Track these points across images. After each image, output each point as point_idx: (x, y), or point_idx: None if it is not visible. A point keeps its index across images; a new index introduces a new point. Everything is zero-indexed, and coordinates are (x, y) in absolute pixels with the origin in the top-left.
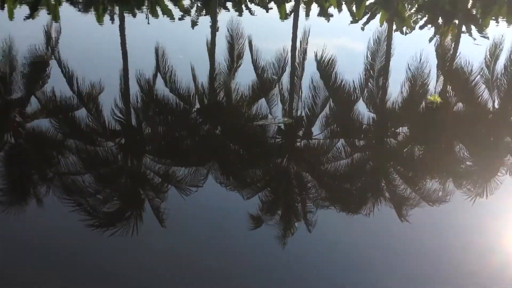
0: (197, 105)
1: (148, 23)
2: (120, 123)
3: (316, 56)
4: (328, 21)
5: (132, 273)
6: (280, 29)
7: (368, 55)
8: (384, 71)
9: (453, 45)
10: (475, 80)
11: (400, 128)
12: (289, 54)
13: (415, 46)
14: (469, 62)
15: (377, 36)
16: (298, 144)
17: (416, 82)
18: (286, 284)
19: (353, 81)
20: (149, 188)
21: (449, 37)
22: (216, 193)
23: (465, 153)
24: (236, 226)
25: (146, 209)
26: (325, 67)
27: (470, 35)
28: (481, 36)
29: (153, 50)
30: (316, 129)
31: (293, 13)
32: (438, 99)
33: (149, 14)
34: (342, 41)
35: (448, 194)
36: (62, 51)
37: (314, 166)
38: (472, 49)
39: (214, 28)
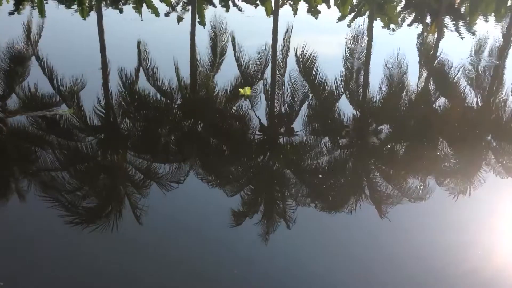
0: (178, 101)
1: (141, 20)
2: (101, 119)
3: (296, 52)
4: (316, 18)
5: (111, 270)
6: (267, 26)
7: (347, 53)
8: (365, 68)
9: (434, 42)
10: (457, 77)
11: (381, 125)
12: (271, 50)
13: (403, 43)
14: (448, 60)
15: (356, 33)
16: (277, 141)
17: (398, 79)
18: (267, 281)
19: (335, 78)
20: (129, 184)
21: (435, 34)
22: (197, 189)
23: (448, 151)
24: (216, 222)
25: (126, 205)
26: (305, 64)
27: (458, 32)
28: (469, 33)
29: (137, 46)
30: (294, 126)
31: (273, 10)
32: (249, 92)
33: (141, 11)
34: (327, 38)
35: (430, 191)
36: (44, 46)
37: (294, 164)
38: (458, 46)
39: (193, 24)
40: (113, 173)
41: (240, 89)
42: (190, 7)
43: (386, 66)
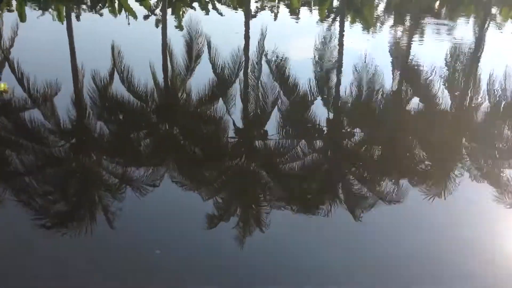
0: (152, 105)
1: (128, 24)
2: (73, 122)
3: (266, 56)
4: (297, 22)
5: (84, 274)
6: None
7: (316, 55)
8: (338, 71)
9: (407, 45)
10: (430, 79)
11: (355, 128)
12: (249, 53)
13: (376, 46)
14: (418, 62)
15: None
16: (251, 144)
17: (367, 82)
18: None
19: (309, 81)
20: (103, 187)
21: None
22: (171, 192)
23: (422, 153)
24: (190, 225)
25: (99, 209)
26: (277, 67)
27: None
28: (448, 35)
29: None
30: (263, 129)
31: (245, 13)
32: (4, 87)
33: (126, 15)
34: (304, 40)
35: (404, 194)
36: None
37: (269, 167)
38: (436, 49)
39: (164, 27)
40: (86, 177)
41: None
42: (168, 10)
43: (355, 69)
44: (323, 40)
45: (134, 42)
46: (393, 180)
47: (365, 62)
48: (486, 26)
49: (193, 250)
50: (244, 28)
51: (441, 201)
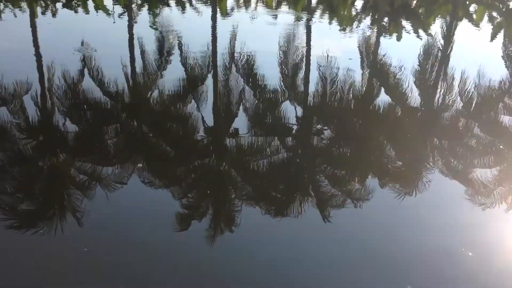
0: (121, 103)
1: (114, 22)
2: (41, 120)
3: (234, 56)
4: (275, 19)
5: (52, 274)
6: (225, 26)
7: (281, 54)
8: (306, 69)
9: (375, 43)
10: (400, 77)
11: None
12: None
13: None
14: (388, 59)
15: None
16: (222, 142)
17: (331, 80)
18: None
19: (280, 80)
20: (71, 185)
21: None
22: (141, 191)
23: (393, 152)
24: (161, 224)
25: (67, 207)
26: (245, 65)
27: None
28: (426, 35)
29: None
30: (237, 127)
31: (212, 12)
32: None
33: (114, 12)
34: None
35: (372, 192)
36: None
37: (237, 165)
38: (410, 48)
39: (131, 25)
40: (52, 175)
41: None
42: (146, 7)
43: (319, 67)
44: (289, 39)
45: (106, 39)
46: (362, 179)
47: (327, 61)
48: (456, 24)
49: (163, 250)
50: (212, 27)
51: (411, 200)
